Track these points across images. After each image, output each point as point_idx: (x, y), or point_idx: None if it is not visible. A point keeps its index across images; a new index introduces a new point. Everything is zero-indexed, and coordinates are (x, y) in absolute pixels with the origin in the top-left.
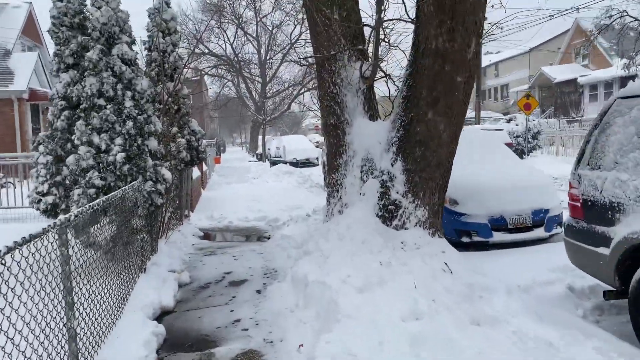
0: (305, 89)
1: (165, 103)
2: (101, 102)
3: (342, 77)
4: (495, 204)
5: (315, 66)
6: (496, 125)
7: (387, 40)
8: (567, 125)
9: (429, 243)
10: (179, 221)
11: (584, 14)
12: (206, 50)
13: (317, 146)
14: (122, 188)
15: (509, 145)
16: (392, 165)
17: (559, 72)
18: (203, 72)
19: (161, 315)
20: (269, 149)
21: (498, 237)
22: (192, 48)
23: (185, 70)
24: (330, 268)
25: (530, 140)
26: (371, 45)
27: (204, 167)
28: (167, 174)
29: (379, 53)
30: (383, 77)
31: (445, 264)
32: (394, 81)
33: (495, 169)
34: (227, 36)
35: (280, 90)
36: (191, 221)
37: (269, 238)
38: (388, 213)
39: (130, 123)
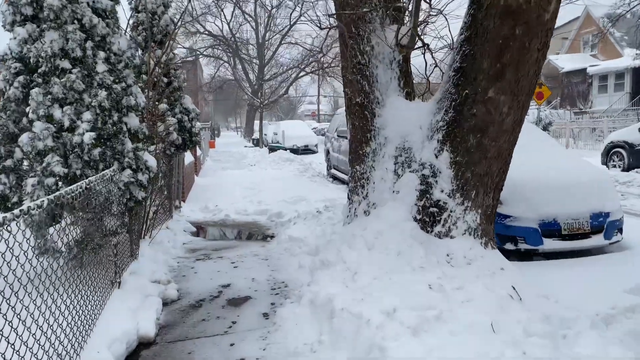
0: (304, 72)
1: (152, 73)
2: (65, 64)
3: (373, 44)
4: (548, 205)
5: (338, 30)
6: None
7: (427, 1)
8: (575, 117)
9: (482, 256)
10: (168, 214)
11: (595, 1)
12: (202, 30)
13: (316, 133)
14: (88, 179)
15: None
16: (437, 156)
17: (566, 62)
18: (198, 53)
19: (138, 349)
20: (265, 135)
21: (550, 244)
22: (184, 25)
23: (176, 32)
24: (363, 290)
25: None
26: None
27: (198, 152)
28: (151, 161)
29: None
30: (421, 46)
31: (513, 288)
32: (432, 53)
33: (544, 161)
34: (224, 15)
35: (278, 73)
36: (182, 213)
37: (272, 237)
38: (429, 217)
39: (103, 93)
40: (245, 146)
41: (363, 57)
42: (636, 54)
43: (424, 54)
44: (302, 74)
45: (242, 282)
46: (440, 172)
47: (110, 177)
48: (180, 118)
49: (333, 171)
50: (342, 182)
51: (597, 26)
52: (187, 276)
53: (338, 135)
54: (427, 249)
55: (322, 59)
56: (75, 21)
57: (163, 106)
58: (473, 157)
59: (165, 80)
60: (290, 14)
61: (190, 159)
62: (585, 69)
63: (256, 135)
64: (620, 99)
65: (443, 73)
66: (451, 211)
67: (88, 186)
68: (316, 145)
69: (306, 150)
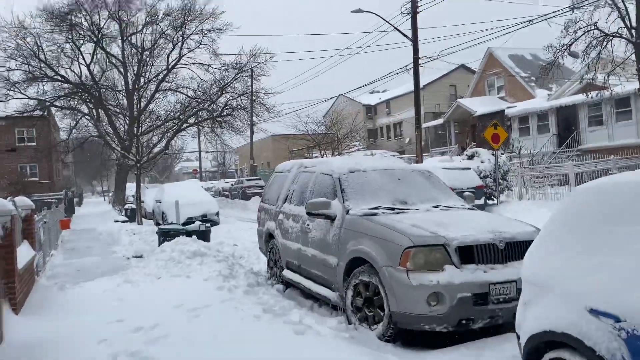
0: (187, 124)
1: None
2: None
3: None
4: None
5: None
6: (454, 164)
7: None
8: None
9: None
10: None
11: (495, 44)
12: (52, 74)
13: (212, 194)
14: None
15: (480, 188)
16: None
17: (477, 105)
18: (47, 103)
19: None
20: (143, 202)
21: None
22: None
23: None
24: None
25: (500, 180)
26: None
27: (26, 255)
28: None
29: None
30: None
31: None
32: None
33: None
34: (82, 57)
35: (155, 126)
36: None
37: None
38: None
39: None
40: (116, 220)
41: None
42: (548, 94)
43: None
44: (184, 125)
45: None
46: None
47: None
48: None
49: (289, 274)
50: (316, 299)
51: (502, 67)
52: None
53: (309, 213)
54: None
55: (210, 107)
56: None
57: None
58: None
59: None
60: (168, 56)
61: None
62: (501, 111)
63: (132, 203)
64: (548, 141)
65: None
66: None
67: None
68: (217, 214)
69: (205, 221)
